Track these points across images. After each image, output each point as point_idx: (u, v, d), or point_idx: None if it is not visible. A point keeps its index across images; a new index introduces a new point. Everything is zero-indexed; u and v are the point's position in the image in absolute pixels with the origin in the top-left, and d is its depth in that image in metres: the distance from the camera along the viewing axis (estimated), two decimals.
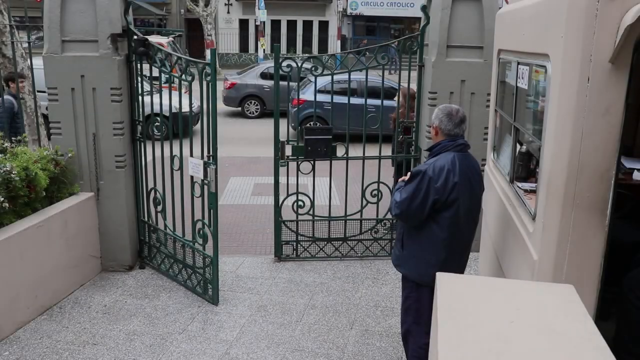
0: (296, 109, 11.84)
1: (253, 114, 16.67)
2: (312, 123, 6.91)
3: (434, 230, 3.52)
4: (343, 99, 6.59)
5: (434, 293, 3.55)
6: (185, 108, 10.69)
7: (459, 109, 3.64)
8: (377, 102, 6.73)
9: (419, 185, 3.44)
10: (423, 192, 3.42)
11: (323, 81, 10.57)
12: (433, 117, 3.66)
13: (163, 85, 5.78)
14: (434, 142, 3.69)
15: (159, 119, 5.52)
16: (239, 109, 16.75)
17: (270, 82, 15.58)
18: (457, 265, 3.65)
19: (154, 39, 15.19)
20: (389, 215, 6.32)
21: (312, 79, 6.30)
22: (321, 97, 10.85)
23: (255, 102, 16.68)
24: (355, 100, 7.20)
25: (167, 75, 5.48)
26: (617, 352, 1.89)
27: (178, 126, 6.23)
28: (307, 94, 12.18)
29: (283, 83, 5.99)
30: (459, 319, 2.13)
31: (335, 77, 6.37)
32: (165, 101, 5.60)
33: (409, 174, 3.71)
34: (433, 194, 3.41)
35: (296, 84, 6.13)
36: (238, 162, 10.83)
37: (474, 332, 2.02)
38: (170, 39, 17.71)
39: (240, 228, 7.33)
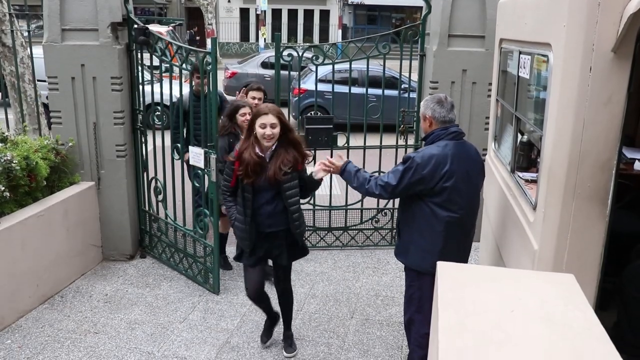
0: (297, 98, 11.91)
1: None
2: (312, 112, 6.90)
3: (429, 218, 3.52)
4: (344, 89, 6.58)
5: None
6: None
7: (446, 96, 3.65)
8: (378, 91, 6.71)
9: (405, 170, 3.46)
10: (408, 177, 3.44)
11: (324, 70, 10.54)
12: (423, 109, 3.62)
13: (164, 74, 5.76)
14: (427, 132, 3.64)
15: (159, 108, 5.51)
16: None
17: (271, 72, 15.52)
18: (457, 253, 3.64)
19: (153, 27, 15.15)
20: (390, 205, 6.34)
21: (313, 68, 6.27)
22: (322, 87, 10.84)
23: None
24: (356, 90, 7.16)
25: (168, 65, 5.47)
26: (616, 343, 1.89)
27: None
28: (308, 84, 12.14)
29: (284, 72, 5.96)
30: (460, 308, 2.13)
31: (336, 67, 6.35)
32: (166, 90, 5.59)
33: None
34: (418, 180, 3.43)
35: (297, 73, 6.12)
36: None
37: (475, 321, 2.02)
38: (170, 28, 17.63)
39: None
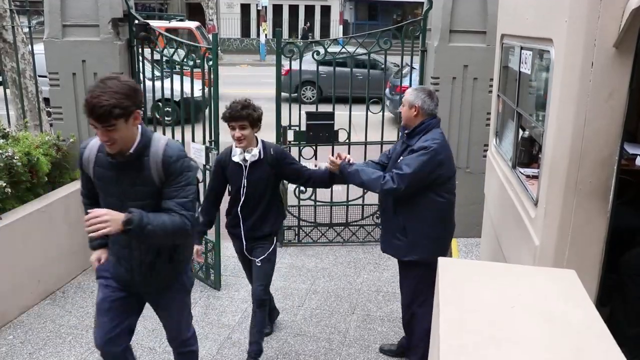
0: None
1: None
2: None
3: (438, 204, 3.65)
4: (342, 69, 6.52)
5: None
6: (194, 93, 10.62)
7: (433, 90, 3.86)
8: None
9: (426, 158, 3.51)
10: (430, 166, 3.52)
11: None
12: (412, 99, 3.66)
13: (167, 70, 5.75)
14: (412, 122, 3.68)
15: (160, 104, 5.51)
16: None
17: (328, 68, 15.39)
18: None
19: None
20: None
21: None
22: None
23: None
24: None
25: (168, 60, 5.46)
26: (616, 337, 1.89)
27: (181, 112, 6.20)
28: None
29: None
30: (460, 304, 2.13)
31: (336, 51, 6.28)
32: (171, 86, 5.60)
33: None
34: (438, 168, 3.56)
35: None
36: None
37: (475, 317, 2.03)
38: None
39: None
